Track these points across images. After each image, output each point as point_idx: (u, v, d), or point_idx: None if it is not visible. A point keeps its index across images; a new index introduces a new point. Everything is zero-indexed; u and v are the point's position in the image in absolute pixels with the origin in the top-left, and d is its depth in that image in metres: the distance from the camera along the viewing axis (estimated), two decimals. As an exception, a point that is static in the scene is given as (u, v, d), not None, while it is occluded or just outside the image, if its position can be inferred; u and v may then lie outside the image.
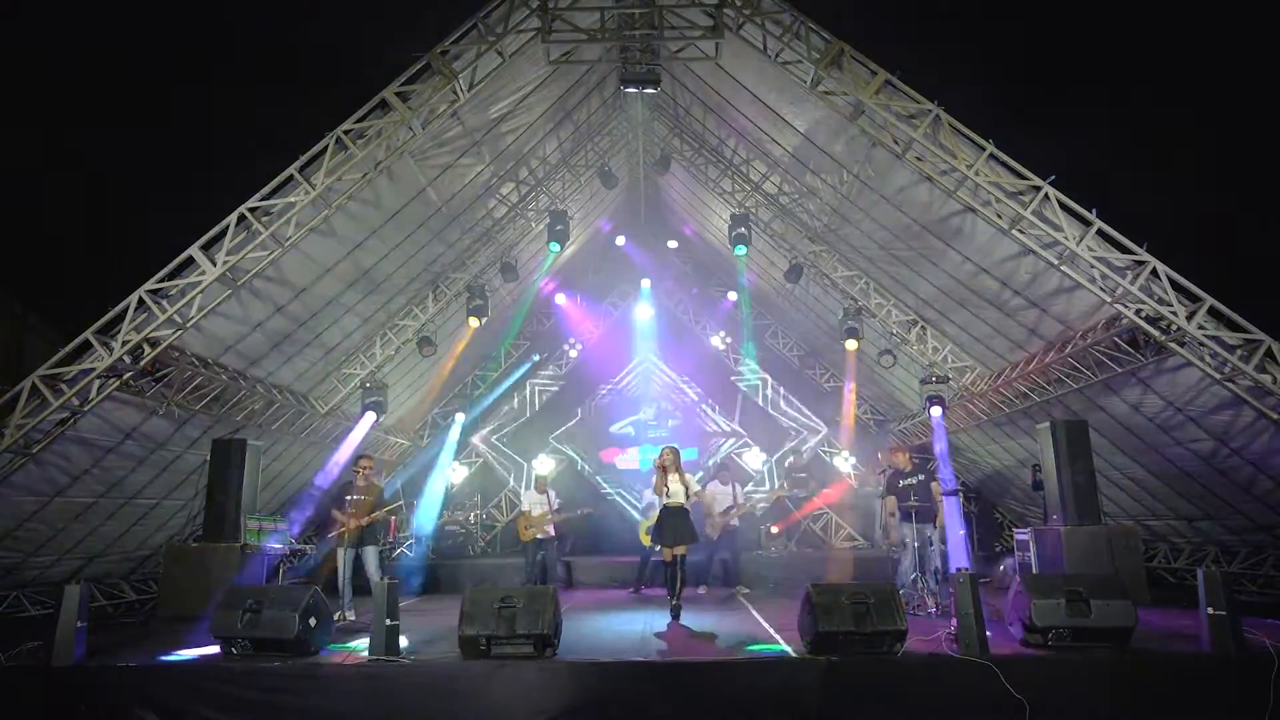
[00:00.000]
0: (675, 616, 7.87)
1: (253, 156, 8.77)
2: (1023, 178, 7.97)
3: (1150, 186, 11.33)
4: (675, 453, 8.39)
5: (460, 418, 16.03)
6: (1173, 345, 7.89)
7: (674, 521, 8.09)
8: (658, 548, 8.58)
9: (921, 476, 8.59)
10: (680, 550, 8.06)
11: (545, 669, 5.56)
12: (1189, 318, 7.62)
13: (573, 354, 17.24)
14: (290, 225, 8.30)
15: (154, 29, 13.26)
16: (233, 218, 8.10)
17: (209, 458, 9.49)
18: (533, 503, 10.88)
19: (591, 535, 14.27)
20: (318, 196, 8.21)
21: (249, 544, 9.11)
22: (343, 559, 8.31)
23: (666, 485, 8.13)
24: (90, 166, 12.98)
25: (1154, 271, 7.74)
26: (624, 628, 7.70)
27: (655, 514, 8.45)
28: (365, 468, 8.69)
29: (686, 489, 8.21)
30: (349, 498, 8.49)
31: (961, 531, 11.31)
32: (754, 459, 16.40)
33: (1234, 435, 8.48)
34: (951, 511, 10.33)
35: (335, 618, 8.07)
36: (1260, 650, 5.45)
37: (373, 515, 8.41)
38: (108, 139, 13.00)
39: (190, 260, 8.10)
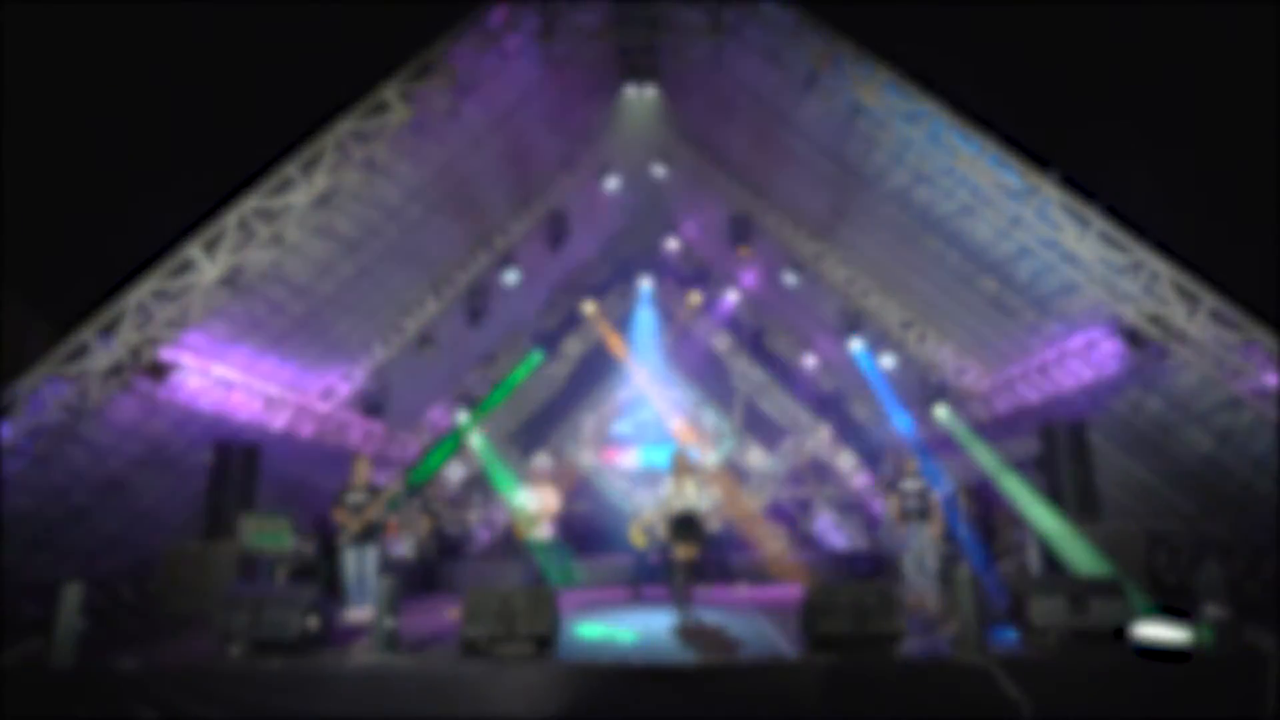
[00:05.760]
0: (685, 617, 7.88)
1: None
2: (1023, 177, 7.97)
3: (1151, 185, 11.34)
4: (688, 458, 8.44)
5: (463, 416, 16.01)
6: (1173, 345, 7.89)
7: (685, 524, 8.11)
8: (647, 547, 8.62)
9: (921, 481, 8.62)
10: (692, 552, 8.06)
11: (545, 670, 5.56)
12: (1189, 317, 7.62)
13: (575, 353, 17.26)
14: (291, 225, 8.31)
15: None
16: (233, 218, 8.11)
17: (209, 458, 9.49)
18: (526, 500, 10.70)
19: (590, 535, 14.27)
20: (318, 196, 8.22)
21: (249, 544, 9.11)
22: (345, 559, 8.37)
23: (682, 490, 8.15)
24: (95, 164, 13.02)
25: (1154, 271, 7.74)
26: (623, 629, 7.71)
27: (646, 515, 8.49)
28: (362, 467, 8.72)
29: (699, 492, 8.23)
30: (347, 498, 8.52)
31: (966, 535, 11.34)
32: (756, 459, 16.40)
33: (1234, 435, 8.48)
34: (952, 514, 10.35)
35: (347, 617, 8.08)
36: (1260, 650, 5.45)
37: (370, 515, 8.43)
38: (111, 134, 13.03)
39: (190, 260, 8.11)
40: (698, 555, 8.12)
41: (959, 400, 12.42)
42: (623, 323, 17.20)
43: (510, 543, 15.14)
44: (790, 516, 15.67)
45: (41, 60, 13.02)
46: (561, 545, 11.15)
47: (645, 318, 16.82)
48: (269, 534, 9.58)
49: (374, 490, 8.68)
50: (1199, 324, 7.62)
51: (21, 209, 12.44)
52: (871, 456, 15.77)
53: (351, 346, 11.89)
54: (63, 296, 11.92)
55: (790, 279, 12.49)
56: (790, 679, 5.46)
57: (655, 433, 16.48)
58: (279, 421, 11.02)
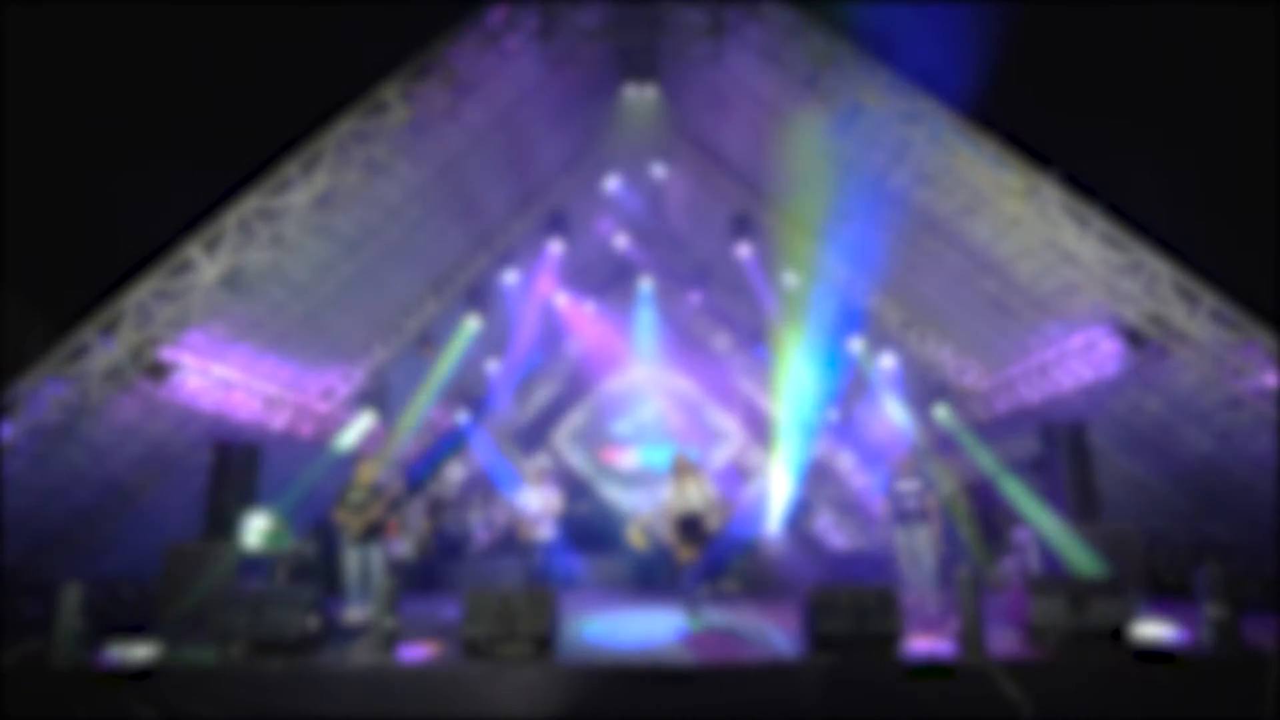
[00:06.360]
0: (692, 615, 7.87)
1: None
2: (1024, 177, 7.97)
3: (1151, 185, 11.34)
4: (689, 459, 8.42)
5: (462, 417, 16.02)
6: (1173, 345, 7.89)
7: (690, 526, 8.11)
8: (647, 548, 8.61)
9: (919, 482, 8.62)
10: (693, 553, 8.05)
11: (545, 670, 5.56)
12: (1189, 317, 7.63)
13: (572, 354, 17.26)
14: (291, 225, 8.31)
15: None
16: (233, 218, 8.11)
17: (210, 458, 9.49)
18: (527, 500, 10.66)
19: (590, 535, 14.28)
20: (318, 196, 8.22)
21: (250, 544, 9.11)
22: (348, 558, 8.38)
23: (683, 491, 8.14)
24: (95, 163, 13.03)
25: (1154, 271, 7.75)
26: (623, 630, 7.71)
27: (645, 516, 8.49)
28: (364, 467, 8.73)
29: (702, 493, 8.21)
30: (349, 497, 8.52)
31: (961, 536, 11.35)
32: (756, 458, 16.41)
33: (1234, 435, 8.49)
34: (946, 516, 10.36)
35: (349, 617, 8.08)
36: (1260, 650, 5.45)
37: (371, 515, 8.44)
38: (111, 133, 13.05)
39: (190, 260, 8.11)
40: (699, 556, 8.11)
41: (959, 400, 12.42)
42: (623, 323, 17.20)
43: (510, 543, 15.16)
44: (790, 516, 15.65)
45: (41, 59, 13.04)
46: (562, 545, 11.11)
47: (645, 318, 16.82)
48: (269, 534, 9.59)
49: (375, 490, 8.70)
50: (1199, 324, 7.63)
51: (21, 209, 12.44)
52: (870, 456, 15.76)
53: (351, 346, 11.89)
54: (63, 296, 11.93)
55: (790, 279, 12.49)
56: (790, 679, 5.46)
57: (655, 433, 16.49)
58: (279, 421, 11.02)
